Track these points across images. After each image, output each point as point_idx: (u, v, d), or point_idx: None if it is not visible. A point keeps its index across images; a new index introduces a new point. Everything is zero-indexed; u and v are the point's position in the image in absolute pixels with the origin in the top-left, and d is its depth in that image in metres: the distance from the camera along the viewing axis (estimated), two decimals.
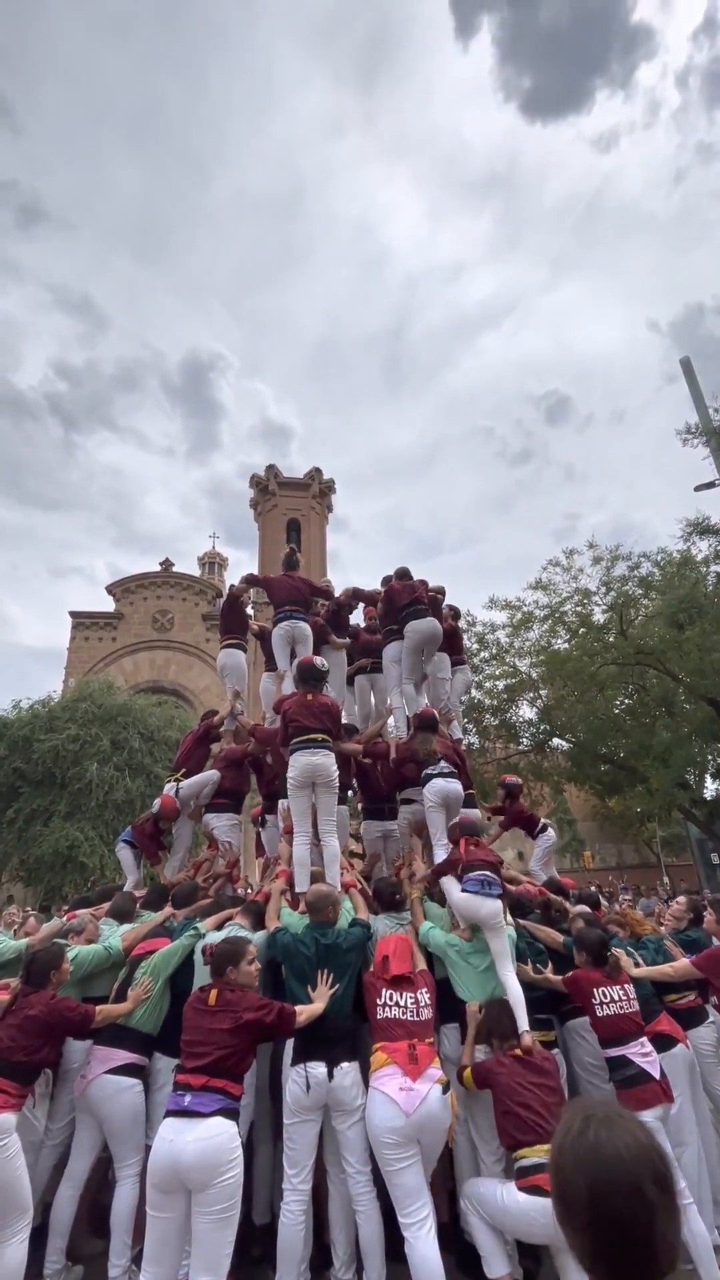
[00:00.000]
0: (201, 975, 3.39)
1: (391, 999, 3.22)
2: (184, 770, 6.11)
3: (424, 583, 6.26)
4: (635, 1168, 0.83)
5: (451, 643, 6.65)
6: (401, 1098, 2.92)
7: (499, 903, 3.62)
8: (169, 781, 6.12)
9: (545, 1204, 2.58)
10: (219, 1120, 2.62)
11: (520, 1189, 2.80)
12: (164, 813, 5.78)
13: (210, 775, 5.96)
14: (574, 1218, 0.85)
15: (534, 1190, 2.74)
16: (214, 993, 2.92)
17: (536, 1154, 2.83)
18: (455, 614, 6.89)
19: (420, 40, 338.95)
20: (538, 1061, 3.18)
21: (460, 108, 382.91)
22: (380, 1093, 2.98)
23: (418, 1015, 3.19)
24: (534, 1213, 2.71)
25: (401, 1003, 3.20)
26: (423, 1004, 3.24)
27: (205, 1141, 2.55)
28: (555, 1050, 3.75)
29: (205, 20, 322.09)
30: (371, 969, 3.43)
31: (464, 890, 3.71)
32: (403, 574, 6.33)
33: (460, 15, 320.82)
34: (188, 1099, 2.66)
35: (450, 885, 3.89)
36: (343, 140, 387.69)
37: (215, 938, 3.55)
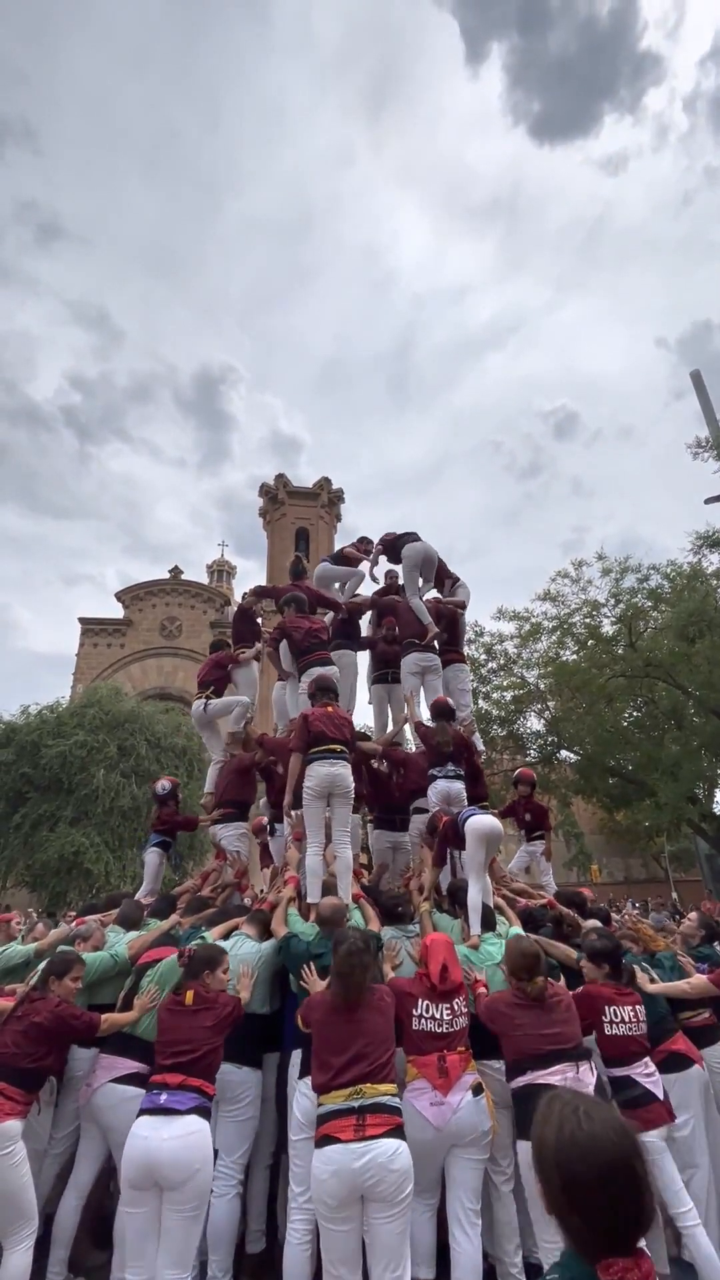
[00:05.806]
0: None
1: (428, 1010, 3.13)
2: (212, 689, 6.37)
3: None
4: (628, 1151, 0.97)
5: (452, 631, 6.73)
6: (432, 1113, 2.92)
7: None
8: (197, 699, 6.40)
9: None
10: (194, 1118, 2.68)
11: None
12: (169, 787, 6.45)
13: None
14: (576, 1202, 0.97)
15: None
16: (190, 993, 2.94)
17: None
18: (462, 605, 6.85)
19: (430, 69, 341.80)
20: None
21: (468, 133, 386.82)
22: (412, 1107, 2.96)
23: (452, 1025, 3.12)
24: None
25: (438, 1015, 3.12)
26: (459, 1013, 3.16)
27: (182, 1139, 2.61)
28: None
29: (219, 53, 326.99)
30: (417, 975, 3.33)
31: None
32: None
33: (471, 43, 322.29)
34: (164, 1097, 2.71)
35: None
36: (351, 168, 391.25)
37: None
